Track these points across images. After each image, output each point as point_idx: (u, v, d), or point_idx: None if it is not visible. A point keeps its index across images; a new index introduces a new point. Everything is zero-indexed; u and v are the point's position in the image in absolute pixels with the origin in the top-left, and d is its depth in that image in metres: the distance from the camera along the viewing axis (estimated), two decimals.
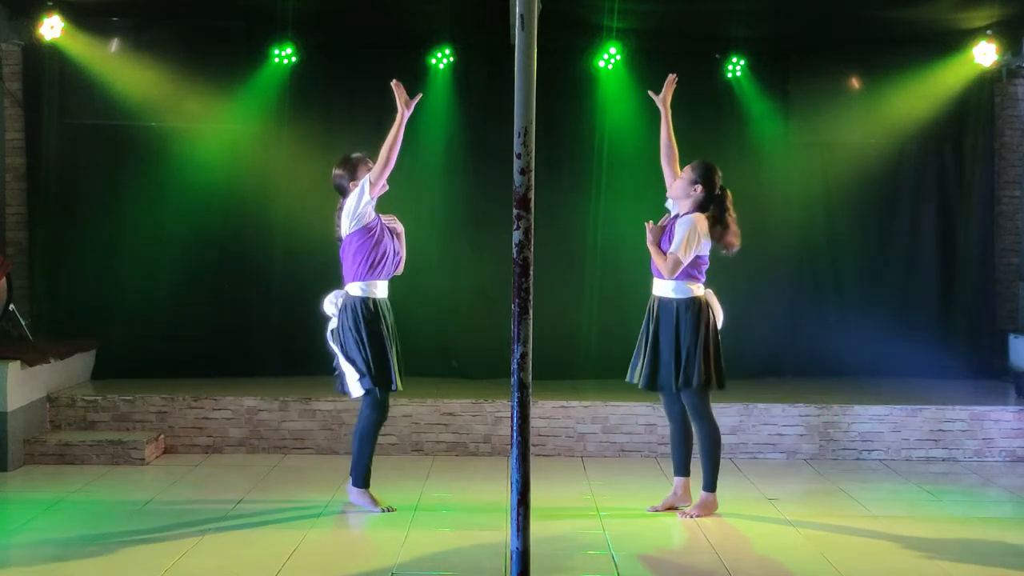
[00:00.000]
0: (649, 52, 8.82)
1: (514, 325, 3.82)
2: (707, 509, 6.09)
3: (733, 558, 5.34)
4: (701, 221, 5.98)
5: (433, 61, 8.80)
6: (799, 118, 9.04)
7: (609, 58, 8.79)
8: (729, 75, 8.99)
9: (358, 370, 5.96)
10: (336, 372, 6.09)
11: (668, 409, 6.22)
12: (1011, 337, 9.06)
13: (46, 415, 7.56)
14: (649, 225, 6.08)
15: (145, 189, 8.69)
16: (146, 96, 8.55)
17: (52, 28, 8.27)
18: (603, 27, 8.39)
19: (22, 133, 8.71)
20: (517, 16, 3.82)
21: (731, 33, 8.68)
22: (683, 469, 6.22)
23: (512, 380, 3.83)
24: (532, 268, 3.84)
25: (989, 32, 8.62)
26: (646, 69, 8.83)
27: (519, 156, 3.82)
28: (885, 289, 9.18)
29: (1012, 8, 8.07)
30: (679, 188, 6.10)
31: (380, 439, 7.32)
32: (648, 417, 7.58)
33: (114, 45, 8.54)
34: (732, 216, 6.06)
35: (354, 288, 6.01)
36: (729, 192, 6.12)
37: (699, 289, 6.03)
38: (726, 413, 7.54)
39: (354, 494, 6.14)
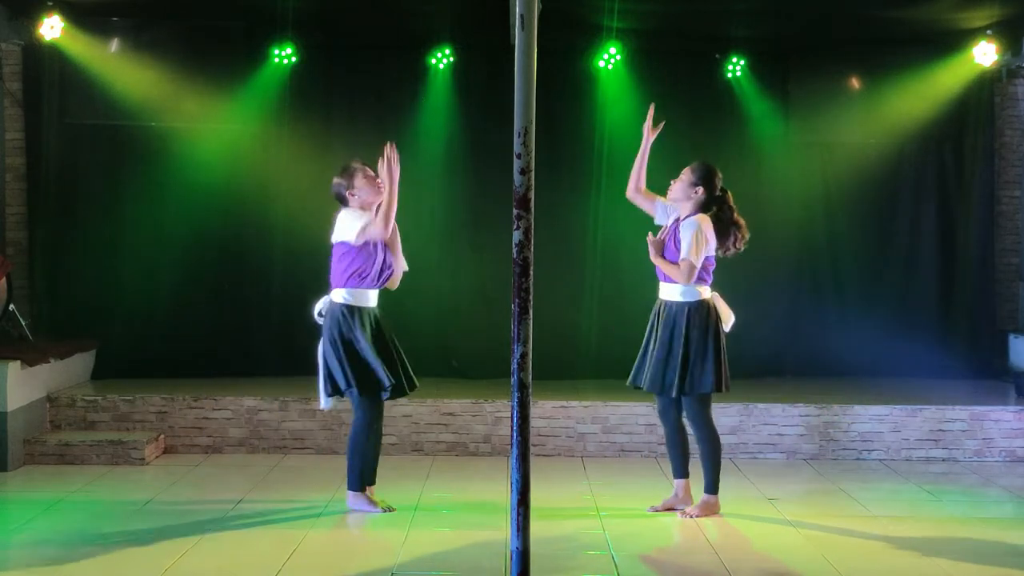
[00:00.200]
0: (649, 52, 8.83)
1: (514, 325, 3.82)
2: (708, 510, 6.08)
3: (733, 558, 5.34)
4: (705, 222, 5.96)
5: (433, 61, 8.80)
6: (799, 118, 9.04)
7: (609, 58, 8.79)
8: (729, 75, 8.99)
9: (331, 377, 5.98)
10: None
11: (663, 412, 6.20)
12: (1011, 337, 9.06)
13: (46, 415, 7.56)
14: (649, 238, 6.05)
15: (145, 189, 8.69)
16: (146, 96, 8.55)
17: (52, 28, 8.26)
18: (603, 27, 8.38)
19: (22, 133, 8.71)
20: (517, 16, 3.82)
21: (731, 33, 8.68)
22: (682, 471, 6.21)
23: (512, 380, 3.83)
24: (532, 268, 3.84)
25: (989, 32, 8.61)
26: (646, 69, 8.87)
27: (519, 156, 3.82)
28: (885, 289, 9.19)
29: (1012, 8, 8.07)
30: (679, 191, 6.07)
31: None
32: (648, 417, 7.58)
33: (114, 45, 8.54)
34: (741, 220, 6.07)
35: (337, 295, 6.03)
36: (729, 192, 6.13)
37: (707, 292, 6.02)
38: (726, 413, 7.55)
39: (350, 498, 6.14)
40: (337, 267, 6.02)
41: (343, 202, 6.06)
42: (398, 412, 7.54)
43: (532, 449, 3.89)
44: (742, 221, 6.09)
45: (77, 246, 8.64)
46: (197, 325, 8.66)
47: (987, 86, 9.13)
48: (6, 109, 8.69)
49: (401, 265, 6.16)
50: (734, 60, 8.93)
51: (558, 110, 8.74)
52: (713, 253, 6.01)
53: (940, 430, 7.69)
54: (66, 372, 7.96)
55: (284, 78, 8.75)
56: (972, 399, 7.99)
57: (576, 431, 7.67)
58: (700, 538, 5.70)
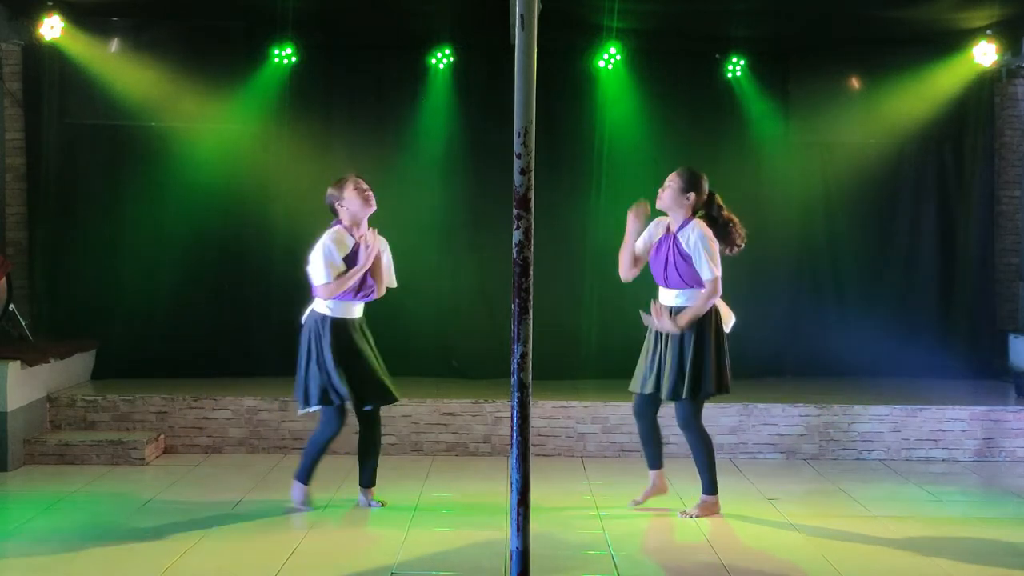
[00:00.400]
0: (649, 52, 8.83)
1: (514, 325, 3.82)
2: (708, 510, 6.09)
3: (733, 558, 5.34)
4: (704, 227, 5.95)
5: (433, 61, 8.80)
6: (799, 118, 9.04)
7: (609, 58, 8.79)
8: (729, 75, 8.99)
9: (297, 386, 6.04)
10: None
11: (642, 411, 6.20)
12: (1011, 337, 9.07)
13: (46, 415, 7.56)
14: (656, 311, 5.98)
15: (145, 189, 8.69)
16: (146, 96, 8.55)
17: (52, 28, 8.26)
18: (603, 27, 8.38)
19: (22, 133, 8.71)
20: (517, 16, 3.82)
21: (731, 33, 8.68)
22: (657, 462, 6.26)
23: (512, 380, 3.83)
24: (532, 268, 3.83)
25: (989, 32, 8.61)
26: (646, 69, 8.87)
27: (519, 156, 3.82)
28: (885, 289, 9.19)
29: (1012, 8, 8.07)
30: (669, 199, 6.01)
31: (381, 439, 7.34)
32: None
33: (114, 45, 8.54)
34: (734, 218, 6.06)
35: (319, 305, 6.06)
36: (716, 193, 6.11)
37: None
38: (726, 413, 7.55)
39: (294, 487, 6.19)
40: None
41: (334, 212, 6.09)
42: (398, 412, 7.54)
43: (532, 449, 3.89)
44: (735, 218, 6.09)
45: (77, 246, 8.64)
46: (197, 325, 8.66)
47: (987, 86, 9.13)
48: (6, 109, 8.69)
49: (387, 282, 6.16)
50: (734, 60, 8.93)
51: (558, 110, 8.74)
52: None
53: (940, 430, 7.69)
54: (66, 372, 7.96)
55: (284, 78, 8.75)
56: (972, 399, 7.99)
57: (576, 431, 7.67)
58: (700, 538, 5.70)
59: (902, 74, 8.92)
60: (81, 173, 8.73)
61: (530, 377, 3.84)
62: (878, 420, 7.69)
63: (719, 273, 5.89)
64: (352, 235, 6.02)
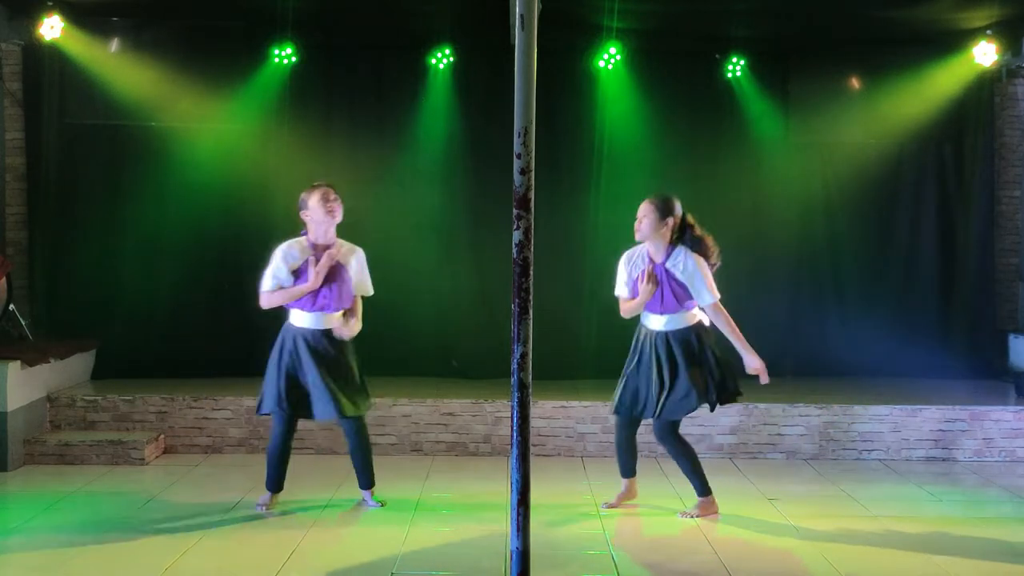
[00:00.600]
0: (649, 52, 8.83)
1: (514, 325, 3.82)
2: (707, 510, 6.11)
3: (733, 558, 5.34)
4: (689, 252, 5.99)
5: (433, 61, 8.80)
6: (799, 118, 9.04)
7: (609, 58, 8.79)
8: (729, 75, 8.99)
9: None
10: None
11: (626, 424, 6.23)
12: (1011, 337, 9.07)
13: (46, 415, 7.56)
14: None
15: (145, 189, 8.68)
16: (146, 96, 8.55)
17: (52, 28, 8.27)
18: (603, 27, 8.39)
19: (22, 133, 8.71)
20: (517, 16, 3.82)
21: (731, 33, 8.68)
22: (631, 471, 6.33)
23: (512, 380, 3.83)
24: (532, 268, 3.83)
25: (989, 32, 8.62)
26: (646, 69, 8.87)
27: (519, 156, 3.82)
28: (885, 289, 9.19)
29: (1012, 8, 8.08)
30: (648, 229, 5.98)
31: (380, 439, 7.38)
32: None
33: (114, 45, 8.54)
34: (707, 235, 6.07)
35: (290, 312, 6.11)
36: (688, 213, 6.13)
37: (695, 316, 6.05)
38: (726, 413, 7.55)
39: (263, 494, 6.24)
40: None
41: (302, 220, 6.09)
42: (398, 412, 7.55)
43: (532, 449, 3.89)
44: (708, 235, 6.09)
45: (77, 246, 8.64)
46: (197, 325, 8.66)
47: (987, 86, 9.14)
48: (6, 109, 8.69)
49: (359, 292, 6.11)
50: (734, 60, 8.94)
51: (558, 110, 8.74)
52: None
53: (940, 430, 7.69)
54: (66, 372, 7.96)
55: (284, 78, 8.75)
56: (972, 399, 7.99)
57: (576, 431, 7.67)
58: (700, 538, 5.70)
59: (902, 74, 8.93)
60: (81, 173, 8.73)
61: (530, 377, 3.84)
62: (878, 420, 7.69)
63: (719, 296, 5.97)
64: (312, 246, 6.01)
